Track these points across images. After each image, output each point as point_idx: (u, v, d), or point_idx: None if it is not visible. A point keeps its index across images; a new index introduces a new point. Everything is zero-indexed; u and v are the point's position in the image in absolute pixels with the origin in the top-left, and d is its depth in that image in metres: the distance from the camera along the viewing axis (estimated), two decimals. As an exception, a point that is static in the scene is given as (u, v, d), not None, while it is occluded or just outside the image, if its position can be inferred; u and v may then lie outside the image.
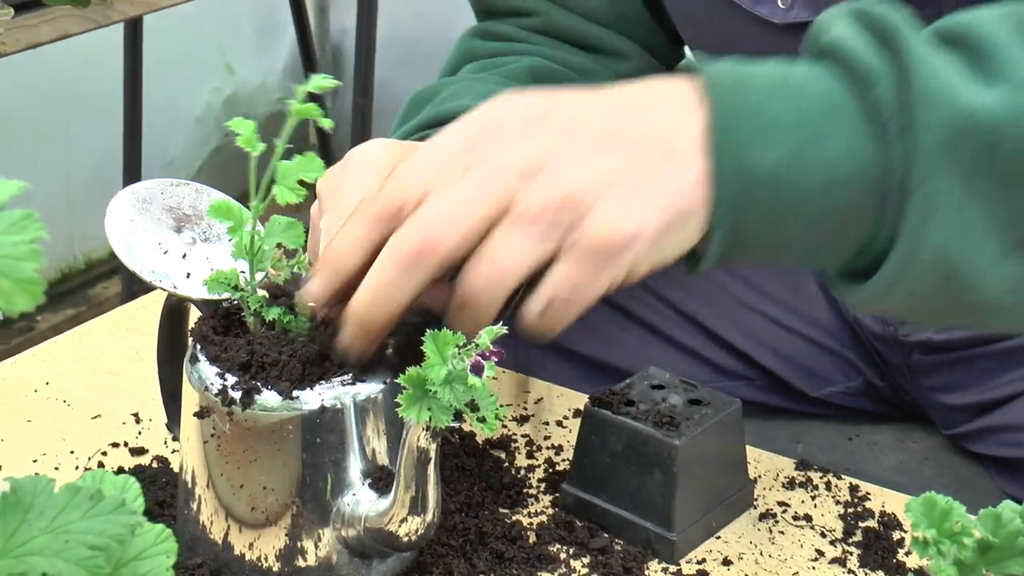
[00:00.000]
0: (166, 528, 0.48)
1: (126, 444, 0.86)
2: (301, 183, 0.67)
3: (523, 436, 0.88)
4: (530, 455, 0.86)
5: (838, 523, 0.81)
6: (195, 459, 0.72)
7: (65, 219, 2.62)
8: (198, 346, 0.73)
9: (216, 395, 0.70)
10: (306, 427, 0.69)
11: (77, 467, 0.84)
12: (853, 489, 0.84)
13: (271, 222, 0.72)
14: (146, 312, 1.02)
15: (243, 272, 0.73)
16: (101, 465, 0.83)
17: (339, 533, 0.71)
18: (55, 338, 0.99)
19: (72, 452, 0.85)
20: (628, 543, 0.77)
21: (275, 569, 0.71)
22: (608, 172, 0.63)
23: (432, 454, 0.66)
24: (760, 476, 0.85)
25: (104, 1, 1.72)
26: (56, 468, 0.84)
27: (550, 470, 0.84)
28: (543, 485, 0.83)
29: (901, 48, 0.64)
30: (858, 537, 0.80)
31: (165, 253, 0.77)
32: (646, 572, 0.75)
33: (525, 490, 0.82)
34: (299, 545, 0.71)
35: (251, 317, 0.73)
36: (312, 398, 0.69)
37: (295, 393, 0.69)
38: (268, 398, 0.69)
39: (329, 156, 2.76)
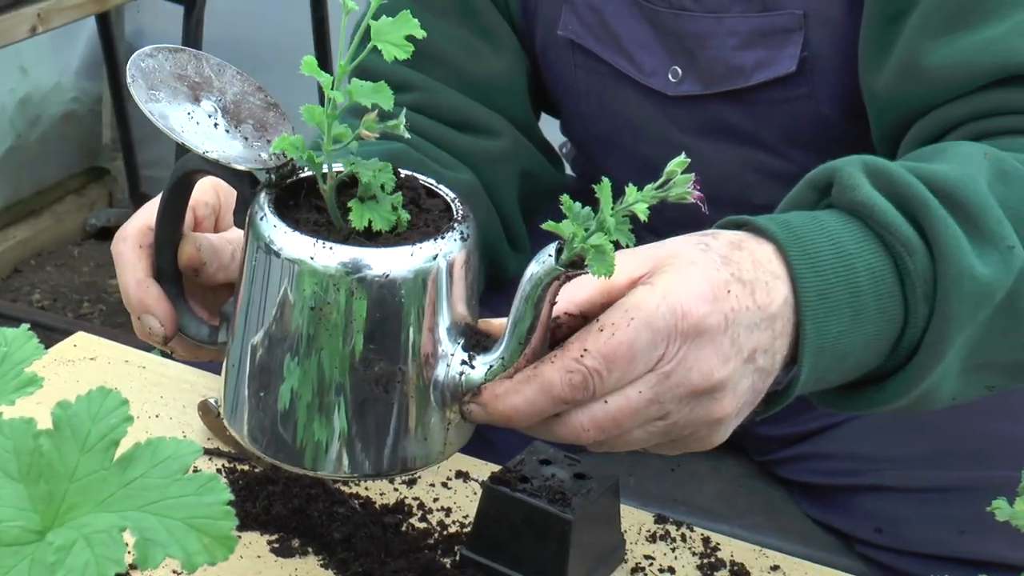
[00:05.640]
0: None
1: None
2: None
3: (415, 499, 0.98)
4: (423, 518, 0.96)
5: (696, 573, 0.94)
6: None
7: None
8: (265, 210, 0.71)
9: (300, 260, 0.69)
10: (397, 289, 0.70)
11: None
12: (705, 540, 0.97)
13: (354, 84, 0.68)
14: None
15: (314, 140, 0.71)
16: None
17: (442, 409, 0.75)
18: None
19: None
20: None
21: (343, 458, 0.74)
22: (743, 401, 0.80)
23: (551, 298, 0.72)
24: (626, 530, 0.97)
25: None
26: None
27: (444, 532, 0.94)
28: (441, 548, 0.93)
29: (928, 224, 0.82)
30: (716, 586, 0.93)
31: (197, 123, 0.74)
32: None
33: (425, 552, 0.92)
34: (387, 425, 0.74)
35: (325, 184, 0.70)
36: (398, 261, 0.70)
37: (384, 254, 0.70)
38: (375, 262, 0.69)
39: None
